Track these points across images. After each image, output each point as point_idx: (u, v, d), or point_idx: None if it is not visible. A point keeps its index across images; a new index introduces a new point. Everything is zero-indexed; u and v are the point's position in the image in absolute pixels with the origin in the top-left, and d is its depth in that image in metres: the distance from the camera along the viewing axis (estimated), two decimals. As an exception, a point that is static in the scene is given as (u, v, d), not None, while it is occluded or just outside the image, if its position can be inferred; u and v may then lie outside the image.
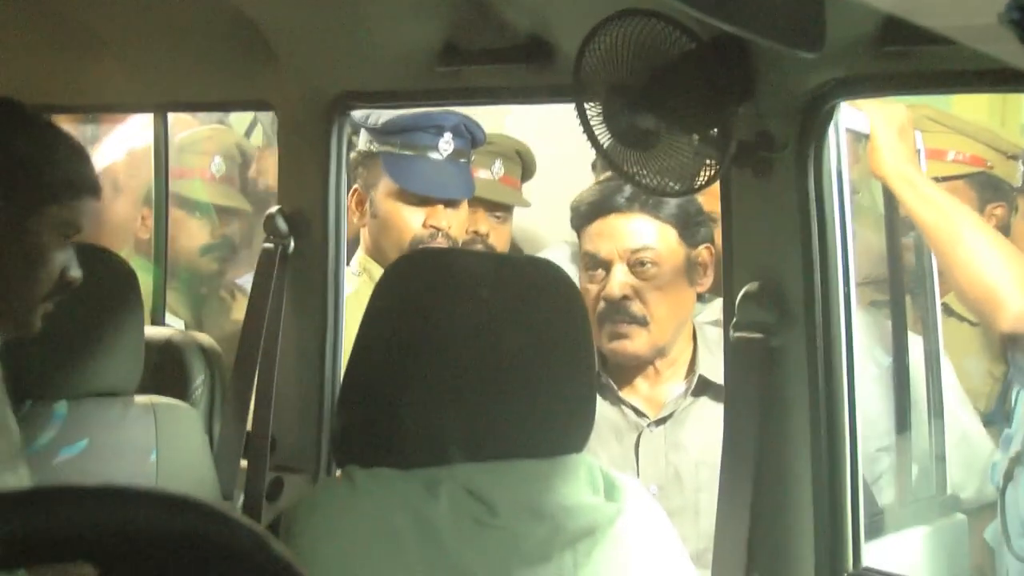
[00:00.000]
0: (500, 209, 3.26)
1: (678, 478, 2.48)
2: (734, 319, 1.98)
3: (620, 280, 2.51)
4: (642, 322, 2.52)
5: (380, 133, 2.82)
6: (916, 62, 1.76)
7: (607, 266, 2.52)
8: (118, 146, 3.52)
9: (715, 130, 1.89)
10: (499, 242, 3.25)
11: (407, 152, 2.83)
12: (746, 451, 1.97)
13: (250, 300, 2.57)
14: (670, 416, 2.53)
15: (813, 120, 1.89)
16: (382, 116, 2.80)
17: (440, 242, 2.82)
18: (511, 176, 3.29)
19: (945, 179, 3.06)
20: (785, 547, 1.98)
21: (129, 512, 0.93)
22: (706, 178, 1.93)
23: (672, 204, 2.46)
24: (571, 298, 1.89)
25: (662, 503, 2.34)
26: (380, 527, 1.73)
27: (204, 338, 2.81)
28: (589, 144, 2.00)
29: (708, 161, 1.90)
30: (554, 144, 3.18)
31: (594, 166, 3.23)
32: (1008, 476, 2.55)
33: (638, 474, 2.48)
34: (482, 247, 3.16)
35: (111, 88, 2.77)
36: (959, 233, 2.38)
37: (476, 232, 3.17)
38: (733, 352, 2.01)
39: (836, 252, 1.93)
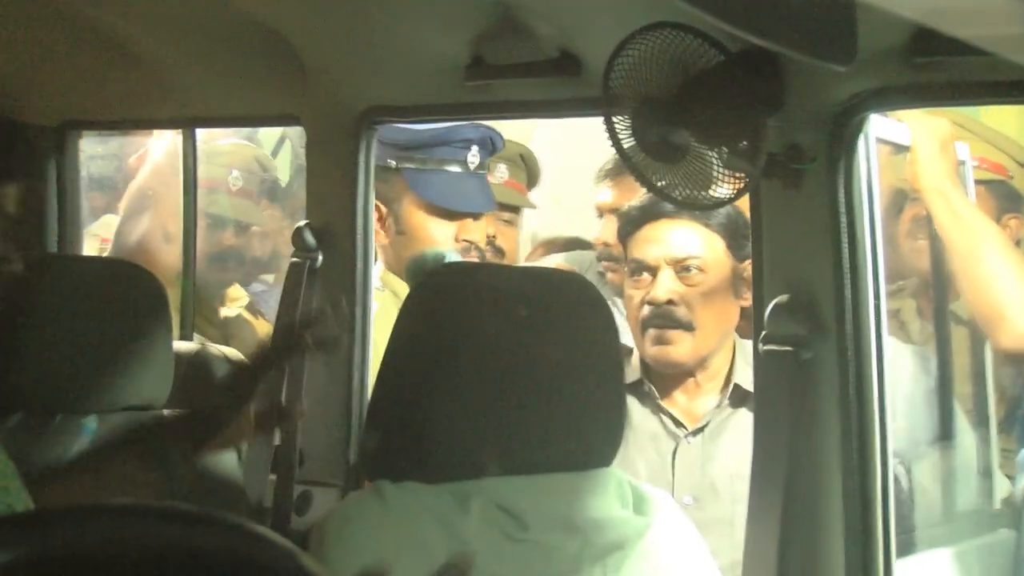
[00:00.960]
0: (507, 212, 3.24)
1: (714, 489, 2.47)
2: (764, 332, 1.96)
3: (667, 285, 2.50)
4: (688, 327, 2.50)
5: (402, 149, 2.81)
6: (948, 73, 1.74)
7: (653, 271, 2.52)
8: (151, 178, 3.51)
9: (744, 142, 1.88)
10: (507, 244, 3.24)
11: (432, 167, 2.82)
12: (776, 465, 1.95)
13: (278, 314, 2.57)
14: (707, 426, 2.52)
15: (843, 131, 1.87)
16: (401, 132, 2.80)
17: (473, 255, 2.82)
18: (515, 180, 3.29)
19: None
20: (815, 562, 1.96)
21: (159, 529, 0.92)
22: (735, 191, 1.91)
23: (721, 214, 2.45)
24: (600, 312, 1.89)
25: (697, 514, 2.33)
26: (411, 541, 1.72)
27: (231, 352, 2.81)
28: (618, 156, 1.99)
29: (737, 174, 1.89)
30: (585, 155, 3.18)
31: (599, 174, 3.22)
32: None
33: (674, 484, 2.47)
34: (491, 249, 3.14)
35: (140, 103, 2.78)
36: (982, 254, 2.36)
37: (468, 241, 3.14)
38: (763, 365, 1.99)
39: (867, 264, 1.91)
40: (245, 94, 2.65)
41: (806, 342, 1.92)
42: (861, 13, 1.67)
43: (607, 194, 2.98)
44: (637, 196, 2.86)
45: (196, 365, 2.71)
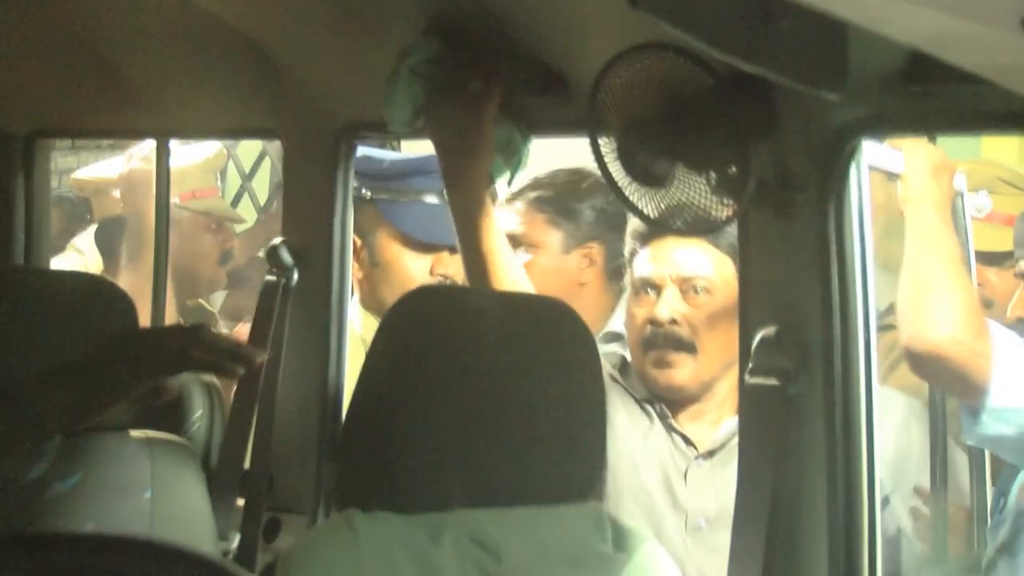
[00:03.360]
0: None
1: (726, 514, 2.46)
2: (750, 364, 1.96)
3: (670, 303, 2.47)
4: (690, 349, 2.48)
5: (376, 179, 2.81)
6: (943, 101, 1.75)
7: (658, 289, 2.49)
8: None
9: (733, 168, 1.88)
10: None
11: (410, 198, 2.82)
12: (760, 503, 1.95)
13: (251, 334, 2.56)
14: (720, 450, 2.49)
15: (835, 159, 1.87)
16: (375, 161, 2.79)
17: None
18: None
19: None
20: (800, 603, 1.96)
21: (119, 561, 0.92)
22: (723, 218, 1.92)
23: (731, 235, 2.42)
24: (582, 340, 1.88)
25: (709, 538, 2.34)
26: (381, 574, 1.71)
27: (205, 375, 2.80)
28: (603, 180, 2.00)
29: (725, 200, 1.89)
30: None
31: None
32: (991, 566, 2.52)
33: (686, 505, 2.46)
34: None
35: (114, 114, 2.78)
36: (929, 263, 2.36)
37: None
38: (748, 399, 1.99)
39: (857, 296, 1.91)
40: (221, 105, 2.64)
41: (793, 376, 1.92)
42: (854, 38, 1.68)
43: (512, 221, 2.92)
44: (546, 230, 2.84)
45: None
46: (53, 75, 2.74)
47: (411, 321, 1.84)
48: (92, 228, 3.86)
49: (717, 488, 2.46)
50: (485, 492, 1.79)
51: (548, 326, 1.88)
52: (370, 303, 2.86)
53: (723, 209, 1.89)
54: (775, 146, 1.89)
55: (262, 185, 5.08)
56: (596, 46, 1.96)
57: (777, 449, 1.94)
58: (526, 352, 1.82)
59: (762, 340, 1.94)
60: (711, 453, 2.50)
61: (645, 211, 1.97)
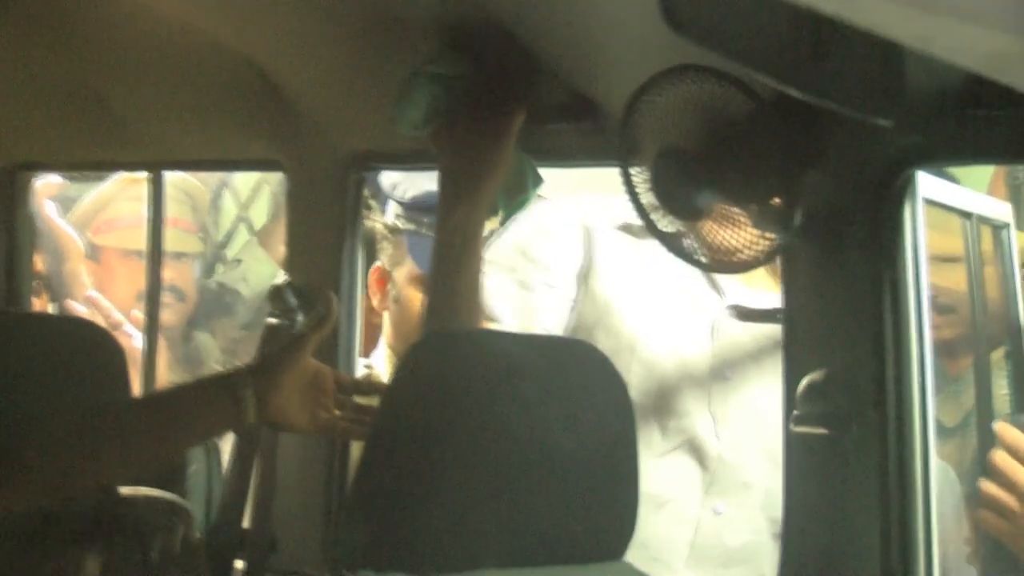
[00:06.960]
0: None
1: (759, 367, 2.47)
2: (795, 412, 1.96)
3: None
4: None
5: (408, 208, 2.81)
6: (1005, 127, 1.75)
7: None
8: None
9: (776, 199, 1.89)
10: None
11: (432, 233, 2.82)
12: (808, 563, 1.95)
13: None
14: (771, 314, 2.36)
15: (888, 190, 1.88)
16: (410, 188, 2.79)
17: None
18: None
19: None
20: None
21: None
22: (765, 253, 1.92)
23: None
24: (613, 385, 1.88)
25: (735, 387, 2.44)
26: (398, 641, 1.71)
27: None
28: (635, 211, 2.00)
29: (768, 234, 1.90)
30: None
31: None
32: None
33: (711, 355, 2.52)
34: None
35: (104, 145, 2.79)
36: None
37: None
38: (794, 449, 1.99)
39: (912, 337, 1.91)
40: (220, 135, 2.66)
41: (843, 424, 1.92)
42: (909, 61, 1.68)
43: None
44: None
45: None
46: (37, 104, 2.76)
47: (428, 369, 1.84)
48: None
49: (747, 343, 2.50)
50: (509, 551, 1.78)
51: (576, 372, 1.88)
52: (393, 342, 2.86)
53: (766, 243, 1.89)
54: (822, 176, 1.90)
55: (260, 216, 5.03)
56: (628, 69, 1.97)
57: (826, 504, 1.94)
58: (554, 400, 1.82)
59: (809, 385, 1.94)
60: (751, 313, 2.49)
61: (680, 246, 1.97)
